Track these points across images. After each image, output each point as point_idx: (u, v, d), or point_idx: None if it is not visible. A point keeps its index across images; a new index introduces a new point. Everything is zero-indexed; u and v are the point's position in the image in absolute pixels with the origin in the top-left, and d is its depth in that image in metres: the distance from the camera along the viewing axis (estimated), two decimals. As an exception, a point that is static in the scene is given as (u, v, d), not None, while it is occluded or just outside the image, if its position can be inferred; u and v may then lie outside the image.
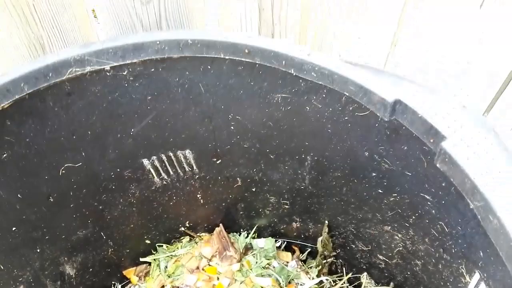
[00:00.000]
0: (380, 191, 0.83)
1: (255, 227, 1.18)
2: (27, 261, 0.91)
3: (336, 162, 0.84)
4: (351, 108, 0.70)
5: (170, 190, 1.01)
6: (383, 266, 1.05)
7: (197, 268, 1.12)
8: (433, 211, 0.74)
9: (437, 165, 0.52)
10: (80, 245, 1.01)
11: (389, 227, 0.91)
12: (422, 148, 0.61)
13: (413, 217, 0.81)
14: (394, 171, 0.75)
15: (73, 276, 1.05)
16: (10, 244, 0.86)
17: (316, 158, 0.86)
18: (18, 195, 0.81)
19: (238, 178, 1.00)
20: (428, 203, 0.74)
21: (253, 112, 0.79)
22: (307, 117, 0.76)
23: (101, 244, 1.04)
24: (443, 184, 0.63)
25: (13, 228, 0.85)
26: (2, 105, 0.63)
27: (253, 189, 1.03)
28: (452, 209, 0.67)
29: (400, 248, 0.93)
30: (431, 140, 0.52)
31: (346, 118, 0.72)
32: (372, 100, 0.58)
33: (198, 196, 1.05)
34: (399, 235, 0.90)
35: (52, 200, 0.86)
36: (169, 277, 1.12)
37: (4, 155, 0.73)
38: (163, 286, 1.10)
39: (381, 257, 1.03)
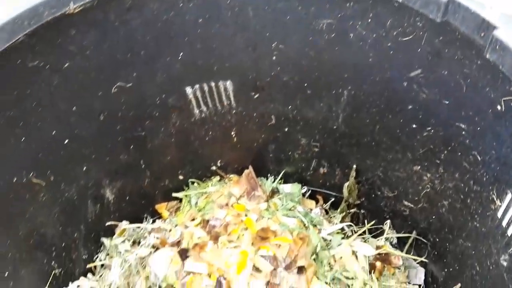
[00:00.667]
0: (414, 126, 0.86)
1: (283, 172, 1.22)
2: (75, 177, 0.97)
3: (373, 96, 0.87)
4: (395, 33, 0.73)
5: (207, 124, 1.06)
6: (407, 213, 1.09)
7: (226, 204, 1.17)
8: (467, 141, 0.77)
9: (487, 56, 0.55)
10: (121, 171, 1.06)
11: (419, 167, 0.94)
12: (464, 65, 0.64)
13: (445, 152, 0.84)
14: (432, 101, 0.78)
15: (111, 201, 1.11)
16: (62, 157, 0.92)
17: (353, 92, 0.90)
18: (74, 108, 0.86)
19: (272, 116, 1.04)
20: (463, 133, 0.77)
21: (297, 40, 0.83)
22: (350, 46, 0.80)
23: (139, 173, 1.10)
24: (483, 103, 0.66)
25: (66, 141, 0.90)
26: (74, 6, 0.68)
27: (286, 129, 1.07)
28: (487, 134, 0.70)
29: (428, 190, 0.96)
30: (482, 35, 0.55)
31: (389, 44, 0.75)
32: (426, 2, 0.61)
33: (232, 133, 1.10)
34: (428, 175, 0.93)
35: (102, 118, 0.92)
36: (199, 211, 1.17)
37: (66, 65, 0.78)
38: (193, 219, 1.15)
39: (406, 203, 1.06)
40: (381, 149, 0.99)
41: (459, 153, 0.80)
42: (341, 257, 1.11)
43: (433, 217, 1.00)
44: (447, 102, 0.75)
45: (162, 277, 1.04)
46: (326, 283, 1.02)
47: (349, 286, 1.02)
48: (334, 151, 1.09)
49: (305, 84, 0.94)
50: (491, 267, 0.79)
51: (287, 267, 1.02)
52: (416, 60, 0.73)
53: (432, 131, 0.83)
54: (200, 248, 1.07)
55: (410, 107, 0.83)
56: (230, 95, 0.99)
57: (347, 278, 1.04)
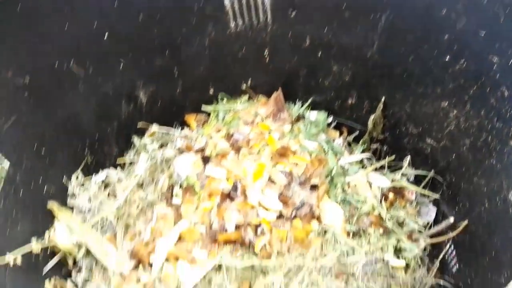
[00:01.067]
0: (447, 58, 0.85)
1: (311, 99, 1.24)
2: (112, 73, 1.03)
3: (411, 23, 0.86)
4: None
5: (242, 39, 1.07)
6: (428, 151, 1.09)
7: (252, 122, 1.22)
8: (497, 75, 0.76)
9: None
10: (155, 75, 1.11)
11: (446, 103, 0.94)
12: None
13: (474, 87, 0.84)
14: (468, 32, 0.77)
15: (144, 104, 1.17)
16: (101, 51, 0.97)
17: (391, 18, 0.88)
18: (115, 4, 0.90)
19: (307, 38, 1.04)
20: (494, 67, 0.76)
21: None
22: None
23: (172, 81, 1.15)
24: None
25: (106, 36, 0.95)
26: None
27: (319, 54, 1.08)
28: (519, 67, 0.69)
29: (452, 128, 0.97)
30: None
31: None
32: None
33: (265, 52, 1.11)
34: (455, 112, 0.93)
35: (141, 19, 0.95)
36: (225, 125, 1.22)
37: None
38: (219, 130, 1.21)
39: (429, 140, 1.07)
40: (412, 81, 0.98)
41: (488, 89, 0.80)
42: (355, 185, 1.14)
43: (453, 155, 1.00)
44: (483, 33, 0.73)
45: (184, 177, 1.12)
46: (336, 202, 1.07)
47: (357, 209, 1.06)
48: (364, 81, 1.09)
49: (344, 6, 0.93)
50: (499, 203, 0.81)
51: (301, 184, 1.07)
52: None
53: (465, 64, 0.82)
54: (222, 157, 1.13)
55: (446, 37, 0.81)
56: (267, 10, 1.00)
57: (357, 201, 1.08)
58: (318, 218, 1.05)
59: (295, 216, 1.02)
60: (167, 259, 1.03)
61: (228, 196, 1.04)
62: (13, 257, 0.81)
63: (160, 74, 1.12)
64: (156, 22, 0.99)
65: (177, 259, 1.02)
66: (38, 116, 0.93)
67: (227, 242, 1.00)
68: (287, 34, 1.05)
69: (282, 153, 1.11)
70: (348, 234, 1.02)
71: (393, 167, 1.20)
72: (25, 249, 0.84)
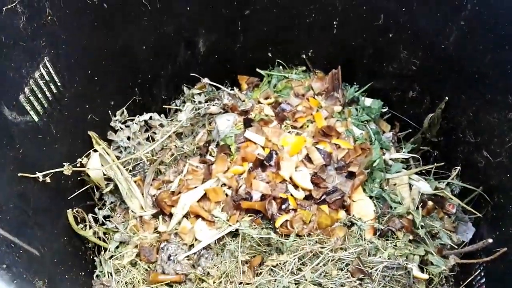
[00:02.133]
0: (529, 65, 0.76)
1: (370, 84, 1.17)
2: (177, 13, 1.02)
3: (497, 19, 0.77)
4: None
5: (314, 2, 1.02)
6: (482, 165, 1.00)
7: (303, 95, 1.17)
8: None
9: None
10: (218, 25, 1.09)
11: (516, 115, 0.85)
12: None
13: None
14: None
15: (202, 53, 1.16)
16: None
17: (477, 7, 0.80)
18: None
19: (382, 15, 0.97)
20: None
21: None
22: None
23: (234, 35, 1.12)
24: None
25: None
26: None
27: (390, 35, 1.01)
28: None
29: (514, 144, 0.87)
30: None
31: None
32: None
33: (334, 23, 1.06)
34: (523, 126, 0.84)
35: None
36: (275, 93, 1.19)
37: None
38: (268, 97, 1.17)
39: (485, 153, 0.98)
40: (483, 85, 0.90)
41: None
42: (395, 184, 1.08)
43: (508, 175, 0.91)
44: None
45: (222, 136, 1.10)
46: (371, 197, 1.02)
47: (391, 208, 1.00)
48: (431, 74, 1.01)
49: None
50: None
51: (338, 168, 1.02)
52: None
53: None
54: (264, 124, 1.10)
55: (533, 40, 0.72)
56: (345, -23, 0.93)
57: (393, 201, 1.02)
58: (348, 209, 1.00)
59: (324, 200, 0.98)
60: (187, 215, 1.03)
61: (261, 164, 1.01)
62: (42, 174, 0.82)
63: (224, 24, 1.10)
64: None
65: (197, 217, 1.02)
66: (98, 40, 0.94)
67: (250, 210, 0.99)
68: (362, 7, 0.99)
69: (327, 132, 1.06)
70: (375, 232, 0.97)
71: (440, 175, 1.11)
72: (56, 169, 0.86)
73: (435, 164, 1.11)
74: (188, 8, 1.01)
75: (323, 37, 1.09)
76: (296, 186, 1.00)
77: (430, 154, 1.17)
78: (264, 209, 0.96)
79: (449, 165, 1.10)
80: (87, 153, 0.95)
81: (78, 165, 0.90)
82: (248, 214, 0.99)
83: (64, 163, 0.90)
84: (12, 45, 0.70)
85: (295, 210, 0.97)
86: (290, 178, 1.00)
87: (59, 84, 0.86)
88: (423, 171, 1.13)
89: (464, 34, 0.86)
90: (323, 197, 0.98)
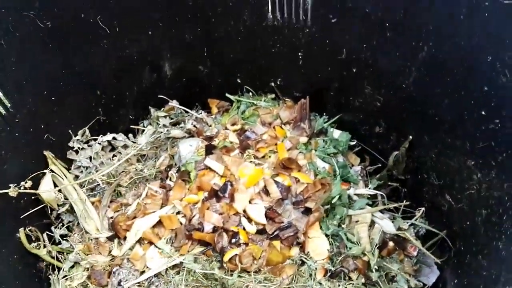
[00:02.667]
0: (483, 112, 0.73)
1: (338, 116, 1.15)
2: (139, 37, 1.02)
3: (453, 61, 0.75)
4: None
5: (277, 34, 1.00)
6: (445, 209, 0.97)
7: (270, 124, 1.15)
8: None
9: None
10: (184, 50, 1.08)
11: (472, 162, 0.81)
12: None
13: (504, 154, 0.71)
14: (509, 89, 0.64)
15: (168, 76, 1.15)
16: (130, 11, 0.95)
17: (433, 50, 0.77)
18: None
19: (344, 50, 0.95)
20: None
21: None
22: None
23: (200, 60, 1.11)
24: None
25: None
26: None
27: (354, 70, 0.98)
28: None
29: (473, 191, 0.84)
30: None
31: (487, 3, 0.61)
32: None
33: (299, 54, 1.04)
34: (478, 175, 0.81)
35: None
36: (243, 119, 1.17)
37: None
38: (234, 123, 1.15)
39: (448, 197, 0.95)
40: (443, 128, 0.86)
41: (519, 162, 0.67)
42: (357, 220, 1.05)
43: (468, 223, 0.88)
44: (528, 96, 0.61)
45: (184, 161, 1.09)
46: (326, 235, 0.98)
47: (347, 247, 0.97)
48: (395, 112, 0.99)
49: (387, 24, 0.83)
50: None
51: (296, 203, 1.00)
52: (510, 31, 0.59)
53: (499, 125, 0.70)
54: (226, 151, 1.08)
55: (485, 89, 0.69)
56: (308, 9, 0.92)
57: (349, 240, 0.99)
58: (303, 246, 0.97)
59: (277, 236, 0.95)
60: (141, 241, 1.01)
61: (215, 194, 0.99)
62: (-15, 195, 0.81)
63: (189, 49, 1.08)
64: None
65: (150, 243, 1.00)
66: (53, 61, 0.93)
67: (201, 241, 0.96)
68: (324, 40, 0.97)
69: (287, 165, 1.03)
70: (326, 273, 0.93)
71: (409, 213, 1.08)
72: (1, 190, 0.85)
73: (401, 203, 1.07)
74: (150, 33, 1.00)
75: (290, 67, 1.08)
76: (249, 219, 0.97)
77: (399, 191, 1.14)
78: (213, 242, 0.94)
79: (416, 204, 1.07)
80: (34, 174, 0.94)
81: (23, 187, 0.88)
82: (199, 245, 0.97)
83: (13, 184, 0.89)
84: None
85: (246, 244, 0.94)
86: (244, 211, 0.97)
87: (8, 105, 0.86)
88: (388, 208, 1.10)
89: (422, 75, 0.83)
90: (276, 233, 0.95)
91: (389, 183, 1.14)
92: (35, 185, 0.96)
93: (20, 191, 0.88)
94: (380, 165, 1.16)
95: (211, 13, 0.98)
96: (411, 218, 1.06)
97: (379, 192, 1.10)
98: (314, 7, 0.90)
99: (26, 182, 0.87)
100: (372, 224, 1.05)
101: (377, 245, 1.00)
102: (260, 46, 1.05)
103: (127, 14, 0.95)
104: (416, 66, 0.83)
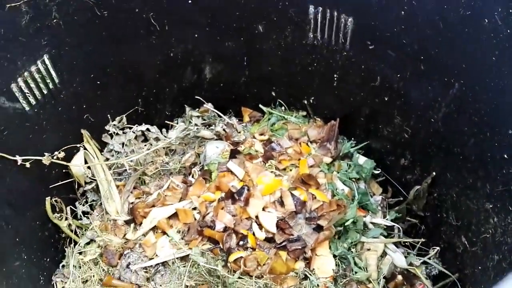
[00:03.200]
0: (505, 156, 0.72)
1: (366, 142, 1.15)
2: (185, 39, 1.07)
3: (481, 102, 0.75)
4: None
5: (316, 54, 1.03)
6: (460, 251, 0.95)
7: (296, 140, 1.17)
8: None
9: None
10: (225, 56, 1.13)
11: (490, 206, 0.80)
12: None
13: (523, 200, 0.70)
14: (534, 135, 0.64)
15: (207, 79, 1.20)
16: (180, 13, 1.01)
17: (464, 88, 0.78)
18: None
19: (378, 77, 0.97)
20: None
21: (429, 2, 0.74)
22: (483, 31, 0.68)
23: (239, 68, 1.15)
24: None
25: (189, 1, 0.99)
26: None
27: (385, 98, 0.99)
28: None
29: (488, 235, 0.82)
30: None
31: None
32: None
33: (335, 76, 1.06)
34: (495, 220, 0.79)
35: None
36: (271, 131, 1.20)
37: None
38: (263, 133, 1.19)
39: (464, 239, 0.93)
40: (466, 167, 0.86)
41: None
42: (368, 248, 1.04)
43: (479, 267, 0.86)
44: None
45: (208, 161, 1.13)
46: (335, 255, 0.98)
47: (353, 271, 0.96)
48: (422, 146, 0.98)
49: (422, 57, 0.84)
50: None
51: (309, 219, 1.01)
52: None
53: (521, 170, 0.69)
54: (250, 158, 1.11)
55: (510, 132, 0.69)
56: (347, 34, 0.94)
57: (356, 265, 0.98)
58: (310, 261, 0.97)
59: (284, 246, 0.96)
60: (155, 229, 1.05)
61: (232, 196, 1.02)
62: (21, 158, 0.88)
63: (230, 57, 1.13)
64: (238, 4, 0.99)
65: (164, 233, 1.04)
66: (104, 49, 1.00)
67: (211, 239, 0.99)
68: (360, 65, 0.99)
69: (306, 180, 1.05)
70: (327, 291, 0.93)
71: (421, 251, 1.06)
72: (35, 156, 0.92)
73: (416, 239, 1.06)
74: (195, 35, 1.05)
75: (325, 87, 1.10)
76: (260, 226, 0.99)
77: (417, 228, 1.12)
78: (222, 241, 0.96)
79: (432, 243, 1.05)
80: (69, 147, 1.00)
81: (56, 157, 0.94)
82: (209, 243, 1.00)
83: (48, 153, 0.96)
84: (10, 39, 0.77)
85: (253, 249, 0.96)
86: (256, 217, 0.99)
87: (57, 81, 0.93)
88: (407, 243, 1.08)
89: (451, 112, 0.84)
90: (284, 243, 0.97)
91: (408, 218, 1.12)
92: (68, 159, 1.02)
93: (52, 160, 0.94)
94: (401, 198, 1.14)
95: (255, 25, 1.02)
96: (425, 256, 1.04)
97: (396, 225, 1.09)
98: (354, 32, 0.93)
99: (59, 153, 0.94)
100: (383, 255, 1.04)
101: (384, 276, 0.99)
102: (298, 63, 1.08)
103: (177, 15, 1.01)
104: (446, 102, 0.83)
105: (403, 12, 0.80)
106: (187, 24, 1.04)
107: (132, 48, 1.04)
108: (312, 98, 1.17)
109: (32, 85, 0.87)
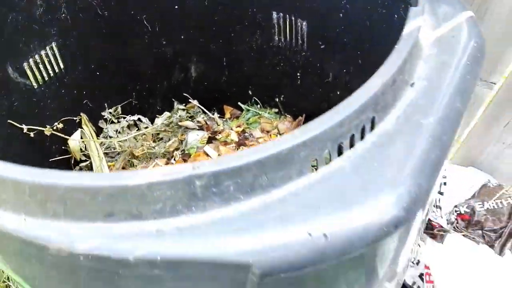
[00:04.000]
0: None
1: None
2: (175, 38, 1.26)
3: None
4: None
5: (281, 54, 1.21)
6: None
7: (268, 132, 1.34)
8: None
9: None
10: (208, 57, 1.31)
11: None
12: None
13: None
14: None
15: (193, 78, 1.39)
16: (171, 17, 1.21)
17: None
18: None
19: (330, 74, 1.13)
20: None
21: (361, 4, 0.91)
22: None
23: (220, 68, 1.34)
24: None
25: (177, 7, 1.19)
26: None
27: (338, 93, 1.16)
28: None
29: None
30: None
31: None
32: None
33: (298, 74, 1.23)
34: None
35: (207, 2, 1.17)
36: (247, 124, 1.37)
37: None
38: (239, 126, 1.36)
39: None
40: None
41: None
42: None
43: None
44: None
45: (188, 146, 1.30)
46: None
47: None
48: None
49: (358, 52, 1.01)
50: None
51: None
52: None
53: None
54: (224, 144, 1.27)
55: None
56: (304, 36, 1.12)
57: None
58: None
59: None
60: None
61: (203, 172, 1.17)
62: (26, 127, 1.06)
63: (212, 57, 1.31)
64: (219, 11, 1.19)
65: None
66: (104, 44, 1.20)
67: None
68: (316, 64, 1.16)
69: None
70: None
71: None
72: (38, 127, 1.10)
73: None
74: (182, 37, 1.25)
75: (291, 85, 1.27)
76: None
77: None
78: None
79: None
80: (66, 118, 1.18)
81: (55, 127, 1.12)
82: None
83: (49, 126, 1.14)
84: (26, 25, 0.97)
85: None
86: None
87: (61, 66, 1.12)
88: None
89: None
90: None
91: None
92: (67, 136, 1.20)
93: (52, 131, 1.12)
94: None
95: (231, 29, 1.21)
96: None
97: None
98: (308, 34, 1.11)
99: (58, 123, 1.12)
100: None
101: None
102: (268, 63, 1.26)
103: (167, 17, 1.21)
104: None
105: (341, 15, 0.98)
106: (176, 26, 1.23)
107: (127, 45, 1.24)
108: (282, 96, 1.34)
109: (41, 66, 1.06)
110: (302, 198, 0.43)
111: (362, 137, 0.49)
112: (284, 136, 0.42)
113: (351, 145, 0.48)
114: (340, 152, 0.47)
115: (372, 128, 0.49)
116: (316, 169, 0.45)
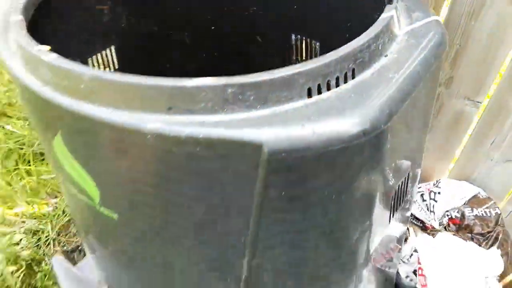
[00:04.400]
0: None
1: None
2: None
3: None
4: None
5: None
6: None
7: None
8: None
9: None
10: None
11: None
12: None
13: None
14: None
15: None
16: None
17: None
18: None
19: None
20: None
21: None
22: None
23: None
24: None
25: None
26: None
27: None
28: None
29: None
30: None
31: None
32: None
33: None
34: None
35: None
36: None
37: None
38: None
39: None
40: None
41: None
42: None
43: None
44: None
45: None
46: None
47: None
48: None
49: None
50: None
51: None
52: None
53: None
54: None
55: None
56: (317, 55, 1.35)
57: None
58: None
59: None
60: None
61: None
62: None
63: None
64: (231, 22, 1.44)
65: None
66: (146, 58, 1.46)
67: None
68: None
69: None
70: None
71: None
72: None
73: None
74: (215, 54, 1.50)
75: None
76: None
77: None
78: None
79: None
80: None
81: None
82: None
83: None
84: (95, 28, 1.23)
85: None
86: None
87: (116, 67, 1.37)
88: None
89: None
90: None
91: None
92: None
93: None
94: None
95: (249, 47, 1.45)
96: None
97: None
98: (321, 53, 1.33)
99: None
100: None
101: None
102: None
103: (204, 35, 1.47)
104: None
105: (347, 35, 1.21)
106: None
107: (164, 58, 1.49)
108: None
109: (101, 63, 1.31)
110: (299, 112, 0.63)
111: (345, 82, 0.68)
112: (288, 67, 0.63)
113: (337, 85, 0.67)
114: (328, 88, 0.67)
115: (353, 77, 0.69)
116: (310, 96, 0.65)
